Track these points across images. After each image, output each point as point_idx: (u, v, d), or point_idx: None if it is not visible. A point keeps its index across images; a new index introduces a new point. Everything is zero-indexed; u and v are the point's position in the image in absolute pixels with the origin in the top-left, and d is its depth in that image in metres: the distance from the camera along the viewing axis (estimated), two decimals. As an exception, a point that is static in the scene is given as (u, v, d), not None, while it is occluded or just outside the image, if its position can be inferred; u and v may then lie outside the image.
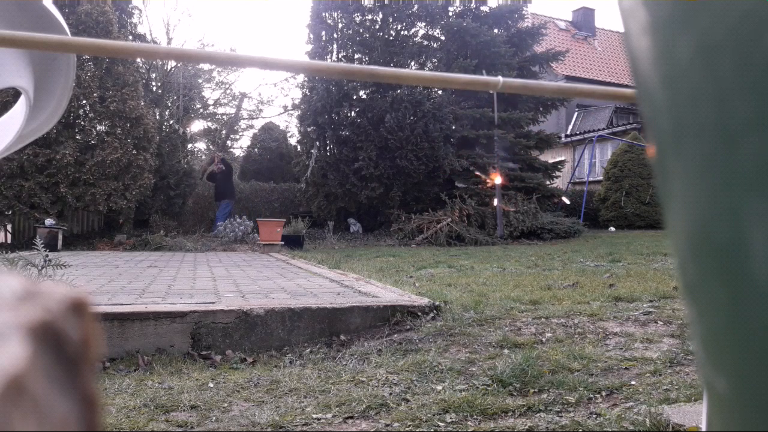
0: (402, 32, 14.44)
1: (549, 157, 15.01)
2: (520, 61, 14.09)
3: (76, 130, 11.32)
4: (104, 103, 11.14)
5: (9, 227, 11.38)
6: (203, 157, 22.50)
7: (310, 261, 7.61)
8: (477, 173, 12.58)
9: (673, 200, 0.30)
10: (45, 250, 3.39)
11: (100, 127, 11.45)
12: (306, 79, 14.72)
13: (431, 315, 3.38)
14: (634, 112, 21.11)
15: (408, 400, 2.10)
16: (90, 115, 11.31)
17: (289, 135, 21.60)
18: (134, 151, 11.38)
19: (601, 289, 4.22)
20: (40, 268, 3.31)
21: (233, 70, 22.68)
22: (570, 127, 23.83)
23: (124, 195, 11.22)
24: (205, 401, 2.12)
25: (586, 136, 19.86)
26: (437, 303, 3.51)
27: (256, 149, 20.39)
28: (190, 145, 19.29)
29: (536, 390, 2.19)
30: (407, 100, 12.91)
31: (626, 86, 0.97)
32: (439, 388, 2.23)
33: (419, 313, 3.37)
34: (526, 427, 1.86)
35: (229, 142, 22.56)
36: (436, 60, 14.30)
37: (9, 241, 11.24)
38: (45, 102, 1.53)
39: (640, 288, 4.16)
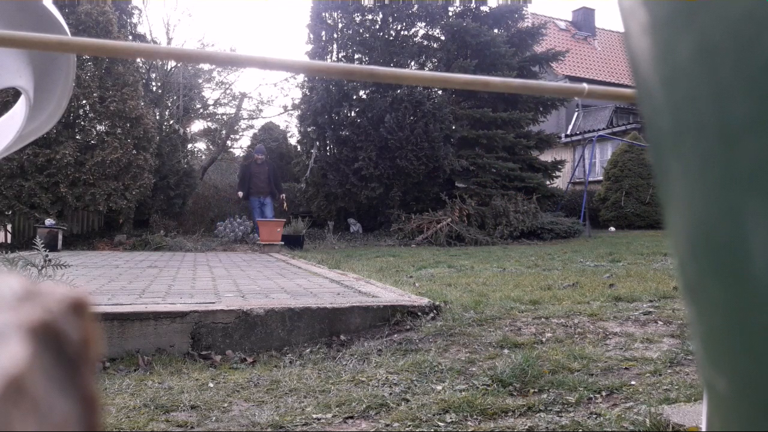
0: (402, 32, 14.44)
1: (549, 157, 15.00)
2: (520, 61, 14.09)
3: (76, 130, 11.32)
4: (104, 103, 11.15)
5: (9, 227, 11.38)
6: (203, 157, 22.49)
7: (310, 261, 7.61)
8: None
9: (673, 200, 0.30)
10: (45, 250, 3.40)
11: (100, 127, 11.46)
12: (306, 79, 14.73)
13: (431, 315, 3.38)
14: (634, 112, 21.11)
15: (408, 400, 2.10)
16: (90, 115, 11.31)
17: (289, 135, 21.57)
18: (134, 151, 11.38)
19: (601, 289, 4.22)
20: (40, 268, 3.31)
21: (233, 70, 22.67)
22: (570, 127, 23.83)
23: (124, 195, 11.22)
24: (205, 401, 2.12)
25: (586, 136, 19.87)
26: (437, 303, 3.51)
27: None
28: (190, 145, 19.29)
29: (536, 390, 2.19)
30: (407, 100, 12.91)
31: (626, 86, 0.97)
32: (439, 388, 2.23)
33: (419, 313, 3.37)
34: (526, 427, 1.86)
35: (229, 142, 22.53)
36: (436, 60, 14.30)
37: (9, 241, 11.24)
38: (45, 102, 1.53)
39: (640, 288, 4.16)
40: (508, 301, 3.74)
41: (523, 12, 15.10)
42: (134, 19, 13.87)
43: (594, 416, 1.94)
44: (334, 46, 14.61)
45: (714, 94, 0.26)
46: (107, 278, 4.98)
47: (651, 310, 3.39)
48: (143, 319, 2.90)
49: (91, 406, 0.20)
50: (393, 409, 2.02)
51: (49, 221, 10.19)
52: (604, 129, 20.48)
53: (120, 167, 11.10)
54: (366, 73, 0.83)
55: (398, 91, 12.99)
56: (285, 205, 12.09)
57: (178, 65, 16.24)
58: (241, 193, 11.98)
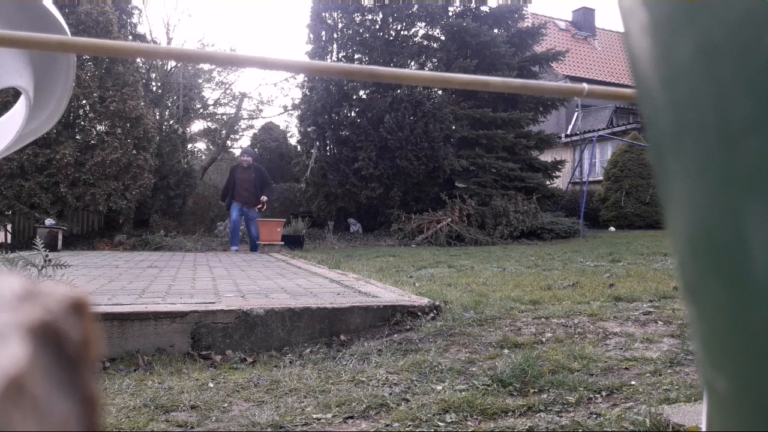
0: (402, 32, 14.44)
1: (549, 157, 15.01)
2: (520, 61, 14.09)
3: (76, 130, 11.33)
4: (104, 103, 11.15)
5: (9, 227, 11.39)
6: (203, 157, 22.50)
7: (310, 261, 7.61)
8: None
9: (673, 200, 0.30)
10: (45, 250, 3.39)
11: (100, 127, 11.46)
12: (306, 79, 14.73)
13: (431, 315, 3.38)
14: (634, 112, 21.12)
15: (408, 400, 2.10)
16: (90, 115, 11.31)
17: (289, 135, 21.61)
18: (134, 151, 11.39)
19: (601, 289, 4.22)
20: (40, 268, 3.31)
21: (233, 70, 22.68)
22: (570, 127, 23.84)
23: (124, 195, 11.23)
24: (205, 401, 2.12)
25: (586, 136, 19.87)
26: (437, 303, 3.51)
27: (256, 149, 20.41)
28: (190, 145, 19.30)
29: (536, 390, 2.19)
30: (407, 100, 12.91)
31: (626, 86, 0.97)
32: (439, 388, 2.23)
33: (419, 313, 3.37)
34: (526, 427, 1.86)
35: (229, 142, 22.55)
36: (436, 60, 14.31)
37: (9, 241, 11.24)
38: (45, 102, 1.53)
39: (640, 288, 4.16)
40: (508, 301, 3.74)
41: (523, 12, 15.10)
42: (134, 19, 13.88)
43: (594, 416, 1.94)
44: (334, 46, 14.61)
45: (714, 95, 0.26)
46: (107, 278, 4.98)
47: (651, 310, 3.39)
48: (143, 319, 2.90)
49: (91, 406, 0.20)
50: (393, 409, 2.02)
51: (49, 221, 10.19)
52: (604, 129, 20.49)
53: (120, 167, 11.10)
54: (366, 73, 0.83)
55: (398, 91, 13.00)
56: (264, 207, 10.15)
57: (178, 65, 16.25)
58: (223, 203, 10.11)
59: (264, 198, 10.06)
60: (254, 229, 10.15)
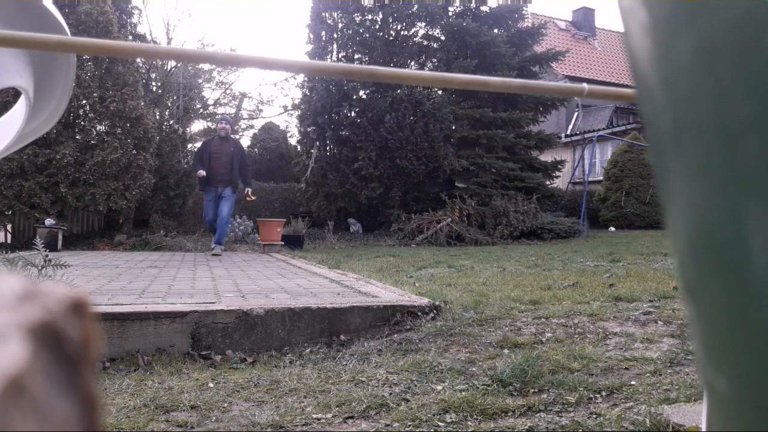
0: (402, 32, 14.44)
1: (549, 157, 15.01)
2: (520, 61, 14.10)
3: (76, 130, 11.32)
4: (104, 103, 11.14)
5: (9, 227, 11.39)
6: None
7: (310, 261, 7.61)
8: None
9: (673, 200, 0.30)
10: (45, 250, 3.39)
11: (100, 127, 11.45)
12: (306, 79, 14.73)
13: (431, 315, 3.38)
14: (634, 112, 21.12)
15: (408, 400, 2.10)
16: (90, 115, 11.31)
17: (289, 135, 21.63)
18: (134, 151, 11.38)
19: (601, 289, 4.22)
20: (40, 268, 3.31)
21: (233, 70, 22.70)
22: (570, 127, 23.84)
23: (124, 195, 11.22)
24: (205, 401, 2.12)
25: (586, 136, 19.87)
26: (437, 303, 3.51)
27: (256, 149, 20.42)
28: (190, 145, 19.28)
29: (536, 390, 2.19)
30: (407, 100, 12.91)
31: (626, 86, 0.97)
32: (439, 388, 2.23)
33: (419, 313, 3.37)
34: (526, 427, 1.86)
35: (229, 142, 22.53)
36: (436, 60, 14.31)
37: (9, 241, 11.24)
38: (45, 102, 1.53)
39: (640, 288, 4.16)
40: (508, 301, 3.74)
41: (523, 12, 15.11)
42: (134, 19, 13.87)
43: (594, 416, 1.94)
44: (334, 46, 14.61)
45: (714, 95, 0.26)
46: (107, 278, 4.98)
47: (651, 310, 3.39)
48: (143, 319, 2.90)
49: (91, 406, 0.20)
50: (393, 409, 2.02)
51: (49, 221, 10.19)
52: (604, 129, 20.49)
53: (120, 167, 11.10)
54: (366, 73, 0.83)
55: (398, 91, 13.00)
56: (250, 197, 8.84)
57: (178, 65, 16.25)
58: (202, 172, 8.28)
59: (249, 191, 8.80)
60: (226, 209, 8.40)
